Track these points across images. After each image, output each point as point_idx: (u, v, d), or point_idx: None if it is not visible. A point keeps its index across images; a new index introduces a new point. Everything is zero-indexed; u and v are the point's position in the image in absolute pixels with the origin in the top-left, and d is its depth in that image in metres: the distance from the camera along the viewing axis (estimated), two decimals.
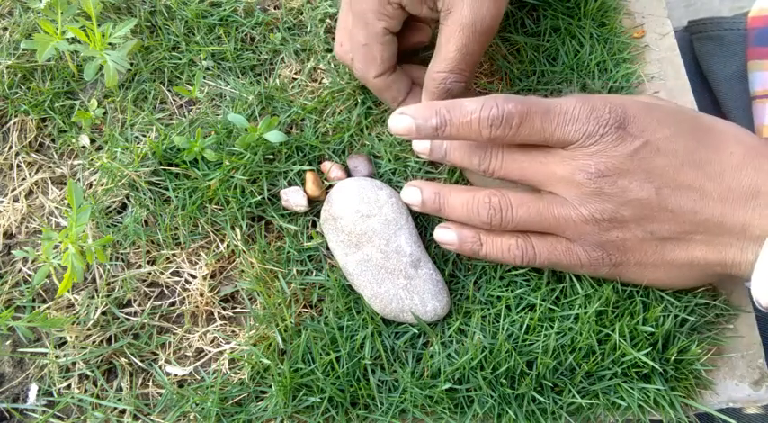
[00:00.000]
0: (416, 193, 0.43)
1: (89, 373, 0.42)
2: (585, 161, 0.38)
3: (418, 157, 0.47)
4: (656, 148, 0.39)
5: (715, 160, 0.39)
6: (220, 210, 0.45)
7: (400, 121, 0.40)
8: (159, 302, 0.44)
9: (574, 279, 0.43)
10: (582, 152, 0.38)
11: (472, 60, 0.43)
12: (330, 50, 0.51)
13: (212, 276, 0.44)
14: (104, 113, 0.49)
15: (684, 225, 0.39)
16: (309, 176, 0.45)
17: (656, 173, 0.38)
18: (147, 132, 0.48)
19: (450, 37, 0.42)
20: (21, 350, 0.43)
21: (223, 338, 0.43)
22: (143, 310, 0.43)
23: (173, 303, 0.44)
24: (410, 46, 0.48)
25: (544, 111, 0.39)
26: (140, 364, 0.42)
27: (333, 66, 0.51)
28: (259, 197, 0.45)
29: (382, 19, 0.44)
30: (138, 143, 0.47)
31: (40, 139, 0.49)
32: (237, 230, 0.44)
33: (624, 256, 0.40)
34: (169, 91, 0.50)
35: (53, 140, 0.49)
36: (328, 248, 0.44)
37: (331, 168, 0.46)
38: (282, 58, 0.51)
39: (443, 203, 0.43)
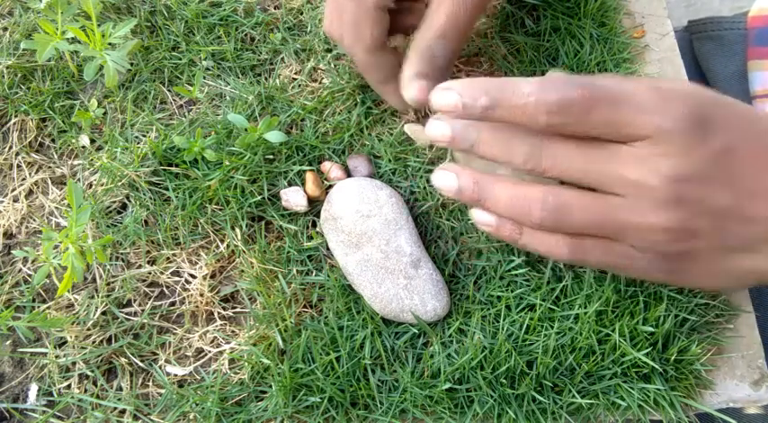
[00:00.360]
0: (452, 178, 0.38)
1: (89, 373, 0.42)
2: (660, 162, 0.34)
3: (418, 156, 0.47)
4: (734, 148, 0.34)
5: None
6: (220, 210, 0.45)
7: (445, 97, 0.36)
8: (159, 302, 0.44)
9: (574, 279, 0.43)
10: (655, 150, 0.34)
11: (461, 30, 0.42)
12: (330, 50, 0.51)
13: (212, 276, 0.44)
14: (104, 113, 0.49)
15: (758, 234, 0.35)
16: (309, 176, 0.45)
17: (736, 177, 0.34)
18: (147, 132, 0.48)
19: (440, 4, 0.42)
20: (21, 350, 0.43)
21: (223, 338, 0.43)
22: (143, 310, 0.43)
23: (173, 303, 0.44)
24: (402, 28, 0.47)
25: (611, 98, 0.34)
26: (140, 364, 0.42)
27: (333, 66, 0.51)
28: (259, 197, 0.45)
29: None
30: (138, 143, 0.47)
31: (40, 139, 0.49)
32: (237, 230, 0.44)
33: (687, 265, 0.37)
34: (169, 91, 0.50)
35: (53, 140, 0.49)
36: (328, 248, 0.44)
37: (331, 168, 0.46)
38: (282, 58, 0.51)
39: (485, 195, 0.38)
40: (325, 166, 0.46)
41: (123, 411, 0.41)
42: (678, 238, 0.35)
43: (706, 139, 0.34)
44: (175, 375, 0.42)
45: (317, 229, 0.45)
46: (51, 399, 0.41)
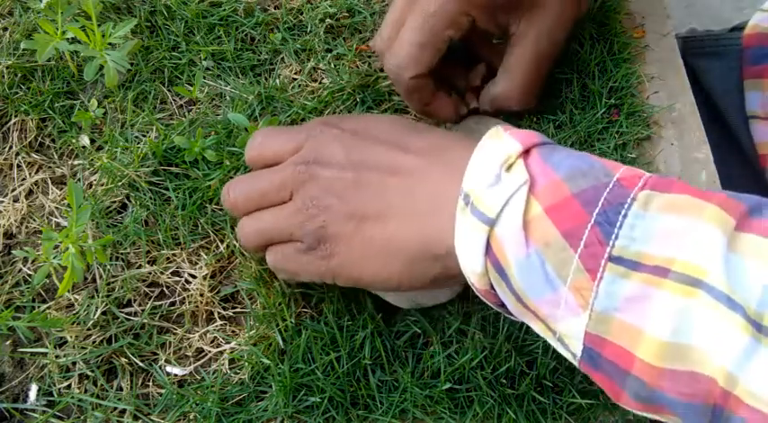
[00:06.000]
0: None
1: (89, 373, 0.42)
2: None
3: None
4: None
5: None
6: (220, 210, 0.45)
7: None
8: (159, 302, 0.44)
9: None
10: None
11: (536, 88, 0.46)
12: (330, 50, 0.51)
13: (212, 276, 0.44)
14: (104, 113, 0.49)
15: (372, 200, 0.37)
16: None
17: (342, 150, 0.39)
18: (147, 132, 0.48)
19: (520, 63, 0.45)
20: (21, 350, 0.43)
21: (223, 338, 0.43)
22: (143, 310, 0.43)
23: (173, 303, 0.44)
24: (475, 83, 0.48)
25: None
26: (140, 364, 0.42)
27: (333, 66, 0.51)
28: None
29: (451, 27, 0.42)
30: (138, 143, 0.47)
31: (40, 139, 0.49)
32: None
33: (333, 246, 0.38)
34: (169, 91, 0.50)
35: (53, 140, 0.49)
36: None
37: None
38: (282, 58, 0.51)
39: None
40: None
41: (123, 411, 0.41)
42: (308, 216, 0.38)
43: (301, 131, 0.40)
44: (175, 375, 0.42)
45: None
46: (51, 399, 0.41)
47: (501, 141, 0.34)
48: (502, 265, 0.32)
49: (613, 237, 0.30)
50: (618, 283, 0.29)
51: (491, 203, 0.32)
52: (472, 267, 0.33)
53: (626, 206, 0.30)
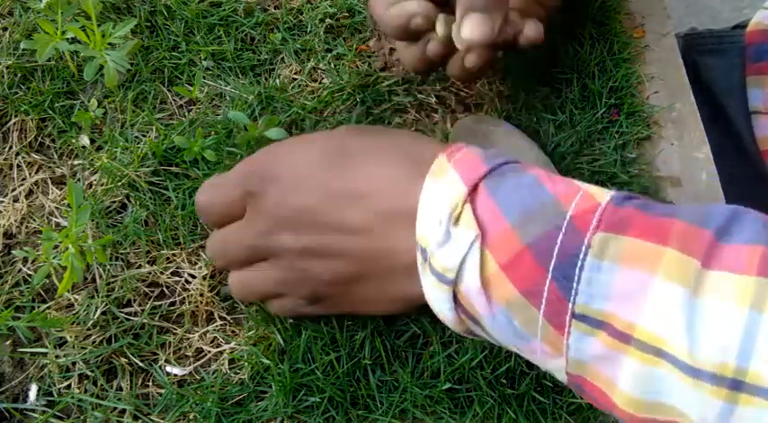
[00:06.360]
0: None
1: (89, 373, 0.42)
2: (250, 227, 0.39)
3: None
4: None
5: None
6: None
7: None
8: (159, 302, 0.44)
9: None
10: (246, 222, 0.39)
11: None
12: (330, 50, 0.51)
13: (212, 276, 0.44)
14: (104, 113, 0.49)
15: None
16: None
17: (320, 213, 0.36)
18: (147, 132, 0.48)
19: None
20: (21, 350, 0.43)
21: (223, 338, 0.43)
22: (143, 310, 0.43)
23: (173, 303, 0.44)
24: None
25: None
26: (140, 364, 0.42)
27: (333, 66, 0.51)
28: None
29: None
30: (138, 143, 0.47)
31: (40, 139, 0.49)
32: None
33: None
34: (169, 91, 0.50)
35: (53, 140, 0.49)
36: None
37: None
38: (282, 58, 0.51)
39: None
40: None
41: (123, 411, 0.41)
42: (295, 283, 0.38)
43: (264, 197, 0.37)
44: (175, 375, 0.42)
45: None
46: (51, 399, 0.41)
47: (445, 182, 0.33)
48: (474, 317, 0.33)
49: (573, 292, 0.29)
50: (585, 340, 0.29)
51: (447, 264, 0.31)
52: (446, 317, 0.34)
53: (581, 257, 0.29)
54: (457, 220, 0.31)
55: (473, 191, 0.32)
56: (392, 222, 0.35)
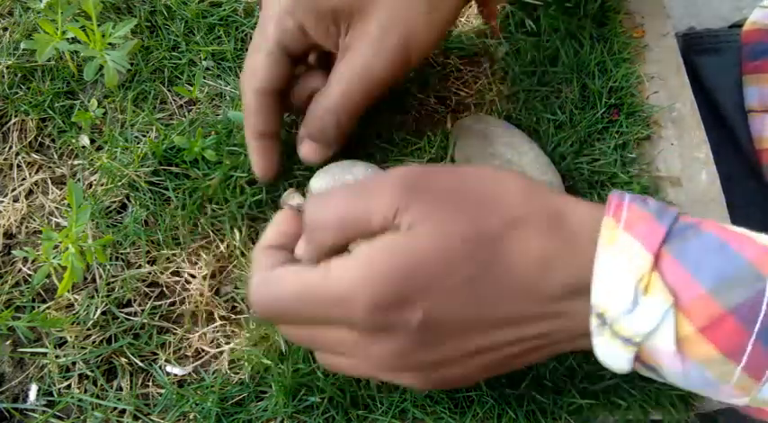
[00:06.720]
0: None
1: (89, 373, 0.42)
2: (369, 350, 0.34)
3: (417, 157, 0.47)
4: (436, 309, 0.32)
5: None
6: (220, 209, 0.45)
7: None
8: (159, 302, 0.44)
9: None
10: (356, 338, 0.33)
11: (352, 111, 0.41)
12: None
13: (212, 276, 0.44)
14: (104, 113, 0.49)
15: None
16: None
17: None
18: (147, 132, 0.48)
19: (339, 78, 0.40)
20: (21, 350, 0.43)
21: (223, 338, 0.43)
22: (143, 310, 0.43)
23: (173, 303, 0.44)
24: (305, 93, 0.43)
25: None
26: (140, 364, 0.42)
27: None
28: (259, 197, 0.45)
29: (278, 30, 0.40)
30: (138, 143, 0.47)
31: (40, 139, 0.49)
32: (237, 232, 0.44)
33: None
34: (169, 91, 0.50)
35: (53, 140, 0.49)
36: None
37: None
38: None
39: None
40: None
41: (123, 411, 0.41)
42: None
43: (403, 316, 0.31)
44: (175, 375, 0.42)
45: None
46: (51, 399, 0.41)
47: (624, 251, 0.31)
48: (653, 366, 0.33)
49: None
50: None
51: (638, 330, 0.31)
52: (615, 366, 0.33)
53: None
54: (646, 288, 0.31)
55: (656, 257, 0.31)
56: (564, 301, 0.33)
